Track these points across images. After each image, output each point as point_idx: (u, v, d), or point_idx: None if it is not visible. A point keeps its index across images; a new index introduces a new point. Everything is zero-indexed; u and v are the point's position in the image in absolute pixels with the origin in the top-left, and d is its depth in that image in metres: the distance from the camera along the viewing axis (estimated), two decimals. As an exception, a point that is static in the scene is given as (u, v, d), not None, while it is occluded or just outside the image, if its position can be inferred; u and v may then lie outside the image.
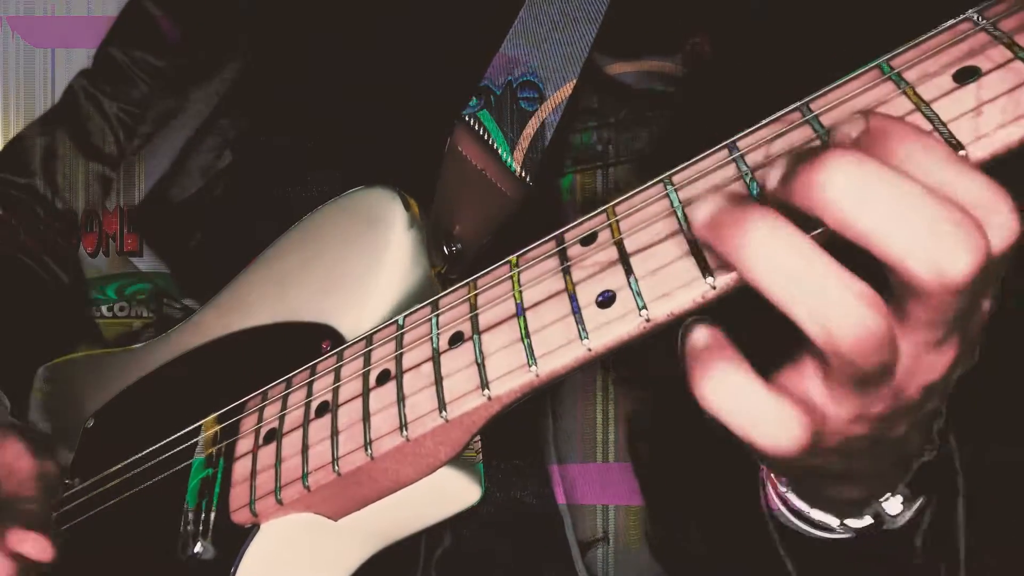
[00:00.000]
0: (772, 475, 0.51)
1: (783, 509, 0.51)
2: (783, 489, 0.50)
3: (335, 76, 0.78)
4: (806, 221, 0.34)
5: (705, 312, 0.42)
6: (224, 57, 0.84)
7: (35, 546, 0.59)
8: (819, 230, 0.35)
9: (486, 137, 0.65)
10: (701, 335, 0.37)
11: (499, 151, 0.65)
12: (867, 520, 0.49)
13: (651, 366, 0.69)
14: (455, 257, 0.65)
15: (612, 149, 0.69)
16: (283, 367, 0.60)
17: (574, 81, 0.64)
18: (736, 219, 0.34)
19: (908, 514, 0.49)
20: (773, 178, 0.36)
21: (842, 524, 0.49)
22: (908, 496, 0.48)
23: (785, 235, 0.33)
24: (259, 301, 0.68)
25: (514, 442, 0.67)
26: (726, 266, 0.40)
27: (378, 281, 0.61)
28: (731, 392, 0.35)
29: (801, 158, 0.34)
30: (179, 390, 0.70)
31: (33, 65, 1.23)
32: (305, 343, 0.61)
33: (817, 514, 0.49)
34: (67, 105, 0.91)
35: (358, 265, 0.62)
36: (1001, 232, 0.33)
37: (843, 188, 0.32)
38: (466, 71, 0.66)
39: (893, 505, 0.48)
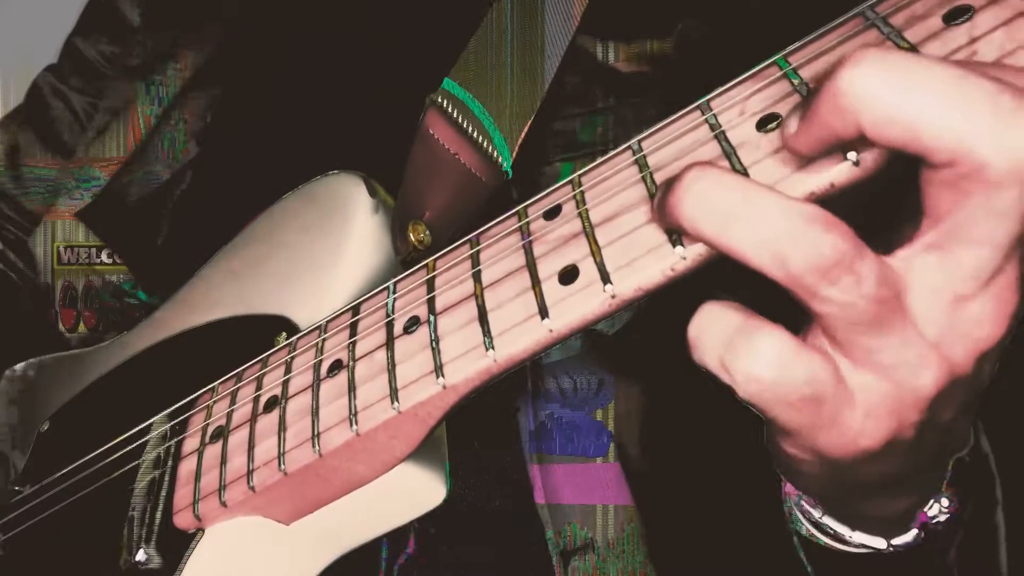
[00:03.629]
0: (803, 499, 0.45)
1: (817, 533, 0.45)
2: (817, 514, 0.45)
3: (304, 62, 0.75)
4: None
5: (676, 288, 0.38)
6: (186, 45, 0.81)
7: None
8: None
9: (460, 119, 0.61)
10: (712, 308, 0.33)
11: (474, 134, 0.61)
12: (913, 534, 0.43)
13: (646, 360, 0.65)
14: (423, 243, 0.61)
15: (602, 135, 0.65)
16: (240, 362, 0.56)
17: (555, 67, 0.61)
18: (677, 181, 0.32)
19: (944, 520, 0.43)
20: (792, 122, 0.32)
21: (889, 545, 0.44)
22: (952, 499, 0.43)
23: (716, 175, 0.31)
24: (219, 295, 0.65)
25: (487, 438, 0.63)
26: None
27: (338, 270, 0.57)
28: (708, 323, 0.32)
29: (817, 87, 0.31)
30: (136, 389, 0.66)
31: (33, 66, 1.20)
32: (264, 336, 0.58)
33: (860, 536, 0.44)
34: (32, 101, 0.88)
35: (318, 254, 0.59)
36: None
37: (875, 78, 0.28)
38: (438, 54, 0.63)
39: (936, 509, 0.43)
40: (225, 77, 0.80)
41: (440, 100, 0.61)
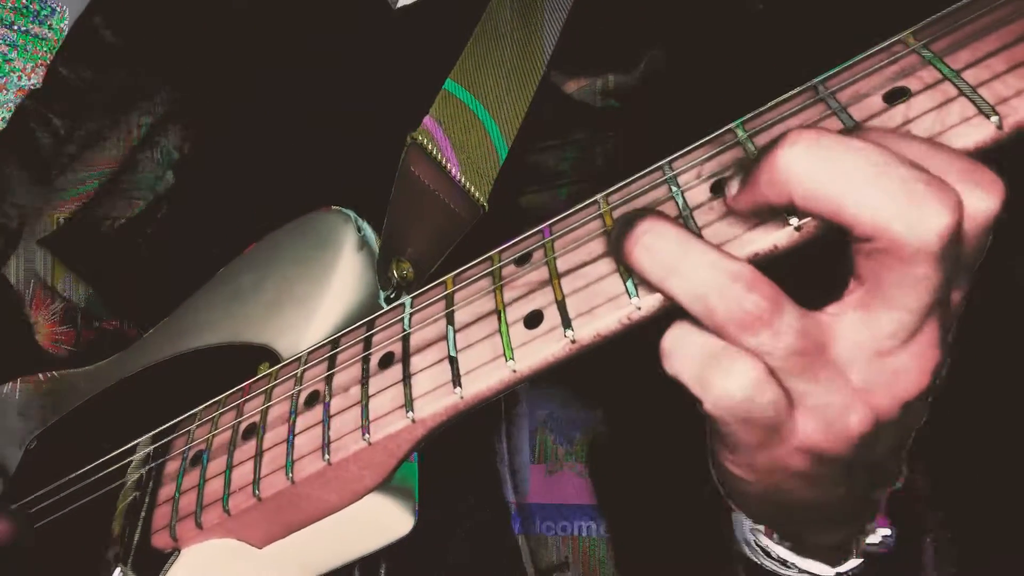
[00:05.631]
0: (753, 527, 0.48)
1: (766, 562, 0.48)
2: (766, 541, 0.48)
3: (281, 96, 0.77)
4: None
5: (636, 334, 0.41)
6: (164, 76, 0.84)
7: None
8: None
9: (439, 157, 0.64)
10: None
11: (452, 171, 0.63)
12: (857, 561, 0.47)
13: (612, 382, 0.67)
14: (406, 279, 0.64)
15: (575, 166, 0.68)
16: (223, 389, 0.58)
17: (530, 99, 0.64)
18: (630, 227, 0.36)
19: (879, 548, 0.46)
20: (735, 185, 0.36)
21: (837, 574, 0.47)
22: (891, 528, 0.46)
23: (662, 228, 0.35)
24: (207, 323, 0.67)
25: (463, 465, 0.65)
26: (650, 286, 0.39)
27: (322, 303, 0.59)
28: (684, 339, 0.36)
29: (757, 156, 0.34)
30: (122, 411, 0.68)
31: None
32: (247, 364, 0.60)
33: (806, 563, 0.47)
34: (15, 126, 0.90)
35: (304, 287, 0.61)
36: (979, 204, 0.32)
37: (807, 158, 0.32)
38: (417, 91, 0.66)
39: (878, 537, 0.46)
40: (203, 109, 0.83)
41: (420, 139, 0.64)
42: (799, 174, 0.32)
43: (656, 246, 0.35)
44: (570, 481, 0.68)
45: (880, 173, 0.31)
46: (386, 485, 0.49)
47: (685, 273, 0.34)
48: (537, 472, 0.68)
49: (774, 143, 0.33)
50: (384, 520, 0.50)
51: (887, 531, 0.46)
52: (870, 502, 0.44)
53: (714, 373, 0.35)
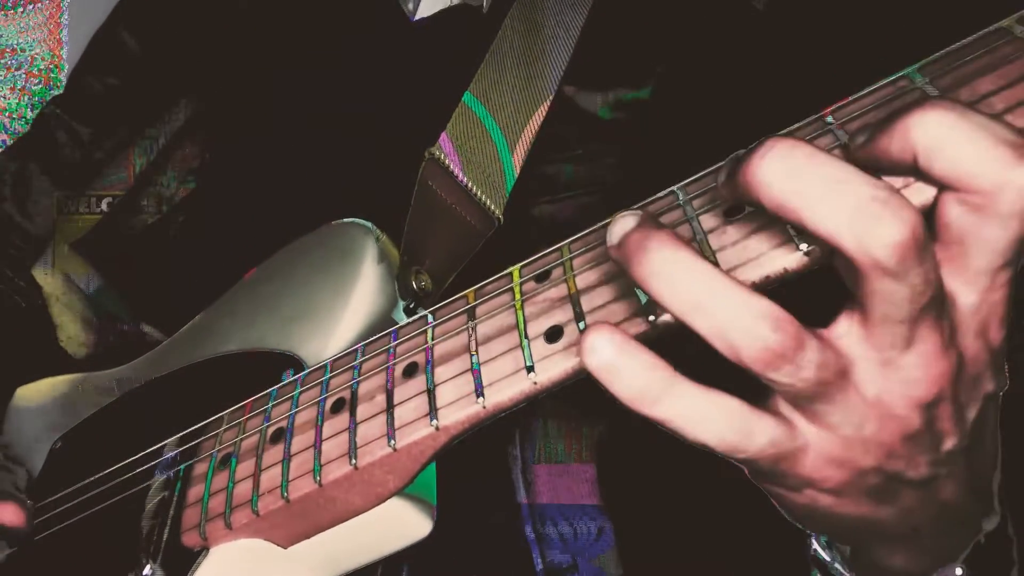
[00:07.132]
0: (823, 549, 0.47)
1: None
2: (841, 569, 0.47)
3: (302, 106, 0.79)
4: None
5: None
6: (184, 84, 0.86)
7: (9, 513, 0.60)
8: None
9: (455, 172, 0.66)
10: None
11: (467, 185, 0.66)
12: None
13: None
14: (424, 290, 0.66)
15: (585, 178, 0.70)
16: (248, 394, 0.60)
17: (543, 113, 0.66)
18: (640, 243, 0.35)
19: None
20: (721, 176, 0.37)
21: None
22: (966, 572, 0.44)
23: (687, 261, 0.35)
24: (231, 329, 0.69)
25: (479, 471, 0.67)
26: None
27: (344, 312, 0.62)
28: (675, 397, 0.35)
29: (739, 160, 0.35)
30: (148, 414, 0.70)
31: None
32: (271, 371, 0.62)
33: None
34: (38, 132, 0.91)
35: (326, 296, 0.63)
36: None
37: (774, 168, 0.33)
38: (434, 103, 0.68)
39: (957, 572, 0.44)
40: (224, 116, 0.85)
41: (437, 154, 0.66)
42: (763, 184, 0.33)
43: (680, 278, 0.34)
44: (573, 481, 0.70)
45: (836, 189, 0.32)
46: (407, 489, 0.51)
47: (709, 309, 0.34)
48: (542, 472, 0.70)
49: (753, 149, 0.34)
50: (404, 523, 0.53)
51: (959, 570, 0.44)
52: (948, 533, 0.43)
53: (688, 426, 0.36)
